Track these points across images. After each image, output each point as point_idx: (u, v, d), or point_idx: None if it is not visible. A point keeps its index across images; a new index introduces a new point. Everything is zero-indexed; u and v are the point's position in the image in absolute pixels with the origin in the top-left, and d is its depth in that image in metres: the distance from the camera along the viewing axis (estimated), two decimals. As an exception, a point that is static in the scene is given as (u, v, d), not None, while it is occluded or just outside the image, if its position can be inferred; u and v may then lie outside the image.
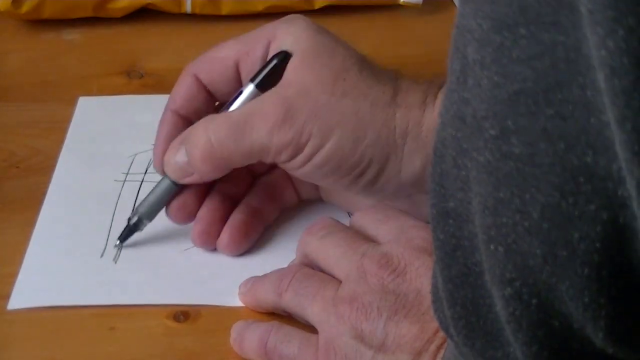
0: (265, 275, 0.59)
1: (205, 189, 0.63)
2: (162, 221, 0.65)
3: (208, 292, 0.60)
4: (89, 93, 0.76)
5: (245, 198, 0.64)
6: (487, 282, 0.36)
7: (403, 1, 0.84)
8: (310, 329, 0.55)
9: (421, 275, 0.53)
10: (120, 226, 0.64)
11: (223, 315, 0.59)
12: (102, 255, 0.62)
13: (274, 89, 0.59)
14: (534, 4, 0.32)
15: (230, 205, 0.63)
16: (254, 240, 0.63)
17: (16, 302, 0.59)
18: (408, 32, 0.83)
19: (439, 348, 0.51)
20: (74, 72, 0.78)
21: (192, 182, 0.61)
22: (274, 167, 0.64)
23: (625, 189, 0.31)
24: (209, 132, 0.59)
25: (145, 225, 0.63)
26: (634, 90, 0.28)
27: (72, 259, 0.62)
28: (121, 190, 0.67)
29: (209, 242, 0.62)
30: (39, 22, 0.82)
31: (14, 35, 0.82)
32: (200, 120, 0.60)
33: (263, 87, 0.60)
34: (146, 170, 0.69)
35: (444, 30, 0.85)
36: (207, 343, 0.57)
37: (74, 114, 0.74)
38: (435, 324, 0.51)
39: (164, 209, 0.62)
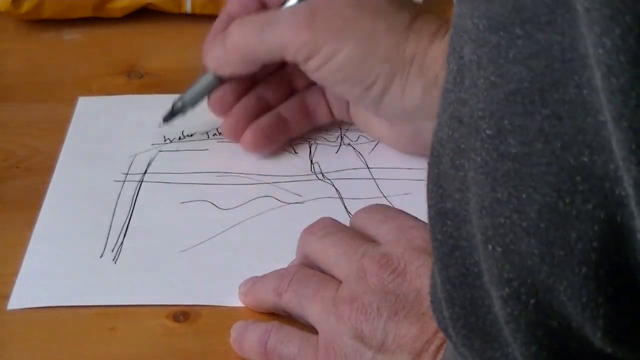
0: (265, 275, 0.59)
1: (244, 90, 0.70)
2: (162, 221, 0.65)
3: (208, 292, 0.60)
4: (89, 93, 0.76)
5: (279, 107, 0.70)
6: (485, 282, 0.36)
7: (403, 0, 0.84)
8: (310, 329, 0.55)
9: (421, 276, 0.53)
10: (120, 226, 0.64)
11: (223, 315, 0.58)
12: (101, 256, 0.62)
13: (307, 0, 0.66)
14: (529, 3, 0.32)
15: (264, 108, 0.70)
16: (276, 145, 0.70)
17: (16, 302, 0.59)
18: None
19: (438, 348, 0.51)
20: (74, 72, 0.78)
21: (227, 74, 0.68)
22: (312, 85, 0.70)
23: (622, 188, 0.31)
24: (242, 26, 0.67)
25: (187, 111, 0.69)
26: (631, 89, 0.28)
27: (72, 259, 0.62)
28: (121, 190, 0.67)
29: (235, 136, 0.69)
30: (39, 22, 0.82)
31: (14, 35, 0.82)
32: (239, 18, 0.68)
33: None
34: (146, 170, 0.69)
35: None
36: (207, 343, 0.57)
37: (74, 114, 0.74)
38: (435, 325, 0.51)
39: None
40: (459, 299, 0.37)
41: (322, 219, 0.59)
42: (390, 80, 0.64)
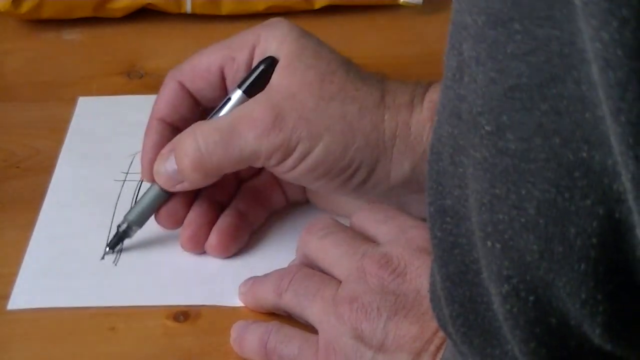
0: (265, 275, 0.59)
1: (192, 196, 0.63)
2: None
3: (208, 292, 0.60)
4: (89, 93, 0.76)
5: (232, 202, 0.64)
6: (484, 279, 0.36)
7: (403, 1, 0.84)
8: (310, 329, 0.55)
9: (421, 276, 0.53)
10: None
11: (223, 315, 0.59)
12: (102, 256, 0.62)
13: (261, 94, 0.59)
14: None
15: (217, 210, 0.63)
16: (242, 243, 0.63)
17: (16, 302, 0.59)
18: (408, 32, 0.83)
19: (438, 348, 0.51)
20: (74, 72, 0.78)
21: (183, 190, 0.61)
22: (260, 170, 0.65)
23: (621, 184, 0.31)
24: (198, 140, 0.59)
25: (134, 232, 0.63)
26: (628, 83, 0.28)
27: (72, 259, 0.62)
28: (121, 190, 0.67)
29: (198, 246, 0.62)
30: (39, 22, 0.82)
31: (14, 35, 0.82)
32: (189, 128, 0.60)
33: (250, 93, 0.60)
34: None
35: (444, 30, 0.85)
36: (207, 343, 0.57)
37: (74, 114, 0.74)
38: (435, 324, 0.51)
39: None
40: (459, 297, 0.37)
41: (322, 219, 0.59)
42: (374, 164, 0.59)
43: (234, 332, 0.57)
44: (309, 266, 0.58)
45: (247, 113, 0.59)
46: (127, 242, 0.63)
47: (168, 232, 0.64)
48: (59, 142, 0.71)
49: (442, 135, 0.36)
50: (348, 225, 0.60)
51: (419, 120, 0.59)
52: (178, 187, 0.61)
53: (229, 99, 0.61)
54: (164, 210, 0.62)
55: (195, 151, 0.59)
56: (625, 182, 0.30)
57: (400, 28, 0.79)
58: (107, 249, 0.63)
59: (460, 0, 0.34)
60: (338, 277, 0.56)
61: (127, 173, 0.69)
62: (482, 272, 0.36)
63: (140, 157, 0.63)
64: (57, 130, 0.72)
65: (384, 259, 0.54)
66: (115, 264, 0.62)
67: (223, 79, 0.62)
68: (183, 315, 0.58)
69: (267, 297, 0.58)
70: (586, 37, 0.29)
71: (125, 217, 0.63)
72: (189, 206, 0.63)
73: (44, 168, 0.69)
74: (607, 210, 0.31)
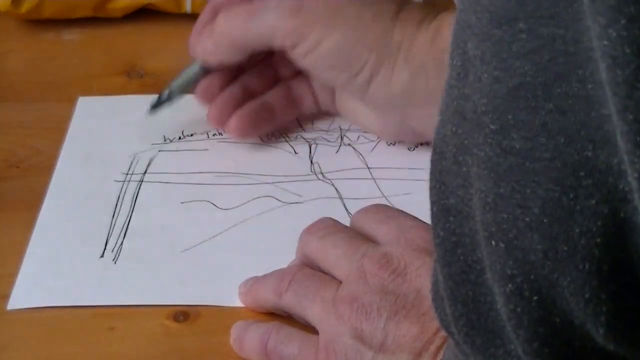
0: (265, 275, 0.59)
1: (230, 79, 0.70)
2: (162, 221, 0.65)
3: (208, 292, 0.60)
4: (89, 93, 0.76)
5: (264, 94, 0.71)
6: (488, 279, 0.36)
7: (403, 1, 0.84)
8: (311, 329, 0.55)
9: (421, 276, 0.53)
10: (120, 226, 0.64)
11: (223, 315, 0.58)
12: (102, 256, 0.62)
13: None
14: None
15: (249, 96, 0.70)
16: (260, 131, 0.71)
17: (16, 302, 0.59)
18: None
19: (439, 348, 0.51)
20: (74, 72, 0.78)
21: (215, 62, 0.69)
22: (298, 74, 0.71)
23: (626, 183, 0.31)
24: (230, 15, 0.68)
25: (175, 100, 0.70)
26: (636, 80, 0.28)
27: (72, 259, 0.62)
28: (121, 190, 0.67)
29: (220, 122, 0.70)
30: (39, 22, 0.82)
31: (14, 35, 0.82)
32: (226, 8, 0.68)
33: None
34: (146, 170, 0.69)
35: (444, 30, 0.84)
36: (207, 343, 0.57)
37: (74, 114, 0.74)
38: (435, 324, 0.51)
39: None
40: (462, 296, 0.37)
41: (322, 219, 0.59)
42: (378, 67, 0.65)
43: (234, 332, 0.57)
44: (309, 266, 0.58)
45: None
46: (127, 242, 0.63)
47: (168, 232, 0.64)
48: (59, 142, 0.71)
49: (446, 135, 0.36)
50: (348, 225, 0.59)
51: (423, 37, 0.64)
52: (210, 59, 0.69)
53: None
54: (201, 85, 0.70)
55: (226, 24, 0.67)
56: (632, 180, 0.30)
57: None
58: (150, 108, 0.70)
59: None
60: (338, 277, 0.56)
61: (127, 173, 0.69)
62: (486, 272, 0.36)
63: (190, 38, 0.70)
64: (57, 130, 0.72)
65: (384, 259, 0.54)
66: (115, 262, 0.62)
67: None
68: (183, 315, 0.58)
69: (267, 297, 0.58)
70: (593, 35, 0.29)
71: (168, 84, 0.70)
72: (224, 86, 0.70)
73: (44, 168, 0.69)
74: (612, 209, 0.31)
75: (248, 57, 0.69)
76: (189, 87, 0.70)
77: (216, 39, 0.68)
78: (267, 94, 0.71)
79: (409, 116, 0.67)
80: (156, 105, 0.70)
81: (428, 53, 0.64)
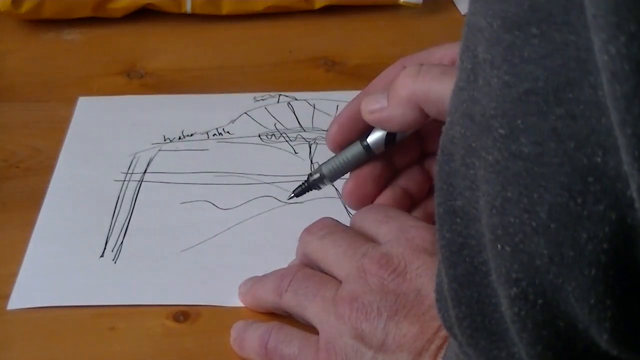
0: (265, 275, 0.59)
1: (385, 176, 0.60)
2: (162, 221, 0.65)
3: (208, 292, 0.60)
4: (89, 93, 0.76)
5: (424, 201, 0.61)
6: (493, 281, 0.36)
7: (403, 1, 0.84)
8: (311, 329, 0.55)
9: (421, 275, 0.53)
10: (120, 226, 0.64)
11: (223, 315, 0.58)
12: (102, 256, 0.62)
13: None
14: (544, 3, 0.32)
15: (408, 203, 0.61)
16: None
17: (16, 302, 0.59)
18: (408, 32, 0.83)
19: (439, 348, 0.51)
20: (74, 72, 0.78)
21: (393, 125, 0.57)
22: None
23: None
24: (420, 72, 0.55)
25: (324, 185, 0.61)
26: (634, 96, 0.28)
27: (72, 259, 0.62)
28: (121, 190, 0.67)
29: None
30: (39, 22, 0.82)
31: (14, 35, 0.82)
32: (408, 67, 0.57)
33: None
34: (145, 170, 0.69)
35: (444, 30, 0.85)
36: (207, 343, 0.57)
37: (74, 114, 0.74)
38: (435, 324, 0.51)
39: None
40: (466, 298, 0.37)
41: (322, 219, 0.59)
42: None
43: (234, 332, 0.57)
44: (309, 266, 0.58)
45: None
46: (127, 242, 0.63)
47: (167, 233, 0.64)
48: (59, 142, 0.71)
49: (454, 137, 0.36)
50: (348, 225, 0.59)
51: None
52: (387, 123, 0.57)
53: None
54: (350, 184, 0.60)
55: (414, 82, 0.55)
56: (632, 191, 0.30)
57: (400, 28, 0.79)
58: (292, 195, 0.61)
59: (475, 3, 0.34)
60: (338, 277, 0.56)
61: (127, 173, 0.69)
62: (491, 274, 0.36)
63: (330, 125, 0.60)
64: (57, 130, 0.72)
65: (384, 258, 0.54)
66: (115, 262, 0.62)
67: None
68: (183, 315, 0.58)
69: (267, 297, 0.58)
70: (595, 48, 0.29)
71: (319, 166, 0.61)
72: (378, 190, 0.60)
73: (44, 168, 0.69)
74: (620, 215, 0.31)
75: (403, 150, 0.60)
76: (344, 173, 0.60)
77: (398, 96, 0.56)
78: (426, 202, 0.61)
79: None
80: (302, 191, 0.61)
81: None
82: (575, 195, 0.32)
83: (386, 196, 0.60)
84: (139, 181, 0.68)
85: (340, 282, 0.55)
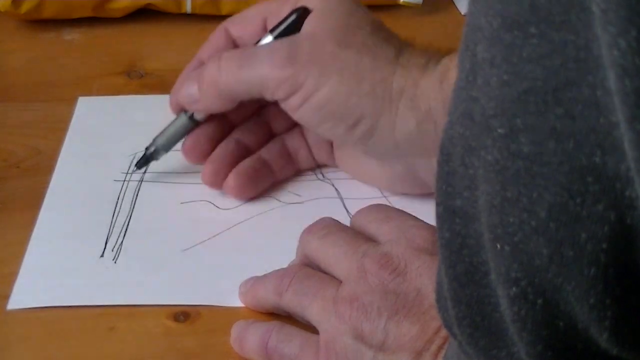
0: (265, 275, 0.59)
1: (220, 134, 0.67)
2: (162, 221, 0.65)
3: (208, 292, 0.60)
4: (89, 93, 0.76)
5: (258, 150, 0.68)
6: (492, 281, 0.36)
7: (403, 1, 0.84)
8: (311, 329, 0.55)
9: (422, 275, 0.53)
10: (120, 226, 0.64)
11: (223, 315, 0.58)
12: (102, 255, 0.62)
13: (287, 37, 0.64)
14: (544, 2, 0.32)
15: (243, 153, 0.67)
16: (259, 189, 0.67)
17: (16, 302, 0.59)
18: (408, 32, 0.82)
19: (439, 348, 0.51)
20: (74, 72, 0.78)
21: (201, 111, 0.66)
22: (292, 127, 0.68)
23: (633, 190, 0.31)
24: (220, 61, 0.64)
25: (161, 156, 0.67)
26: None
27: (72, 259, 0.62)
28: (121, 190, 0.67)
29: (217, 183, 0.66)
30: (39, 22, 0.82)
31: (14, 35, 0.82)
32: (215, 54, 0.65)
33: (280, 38, 0.64)
34: (145, 170, 0.69)
35: (444, 30, 0.85)
36: (207, 343, 0.57)
37: (74, 114, 0.74)
38: (436, 324, 0.51)
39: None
40: (465, 298, 0.37)
41: (322, 219, 0.59)
42: (378, 116, 0.61)
43: (234, 332, 0.57)
44: (309, 266, 0.58)
45: (268, 46, 0.64)
46: (127, 242, 0.63)
47: (167, 233, 0.64)
48: (59, 142, 0.71)
49: (453, 136, 0.36)
50: (348, 225, 0.59)
51: (429, 81, 0.61)
52: (195, 107, 0.65)
53: (259, 41, 0.65)
54: (189, 140, 0.67)
55: (214, 71, 0.63)
56: (638, 188, 0.30)
57: (400, 28, 0.79)
58: (135, 167, 0.67)
59: (475, 2, 0.34)
60: (338, 277, 0.56)
61: (127, 173, 0.69)
62: (490, 274, 0.36)
63: (172, 89, 0.68)
64: (57, 130, 0.72)
65: (384, 258, 0.54)
66: (115, 262, 0.62)
67: (265, 29, 0.66)
68: (183, 315, 0.58)
69: (268, 297, 0.58)
70: (603, 44, 0.29)
71: (153, 140, 0.67)
72: (215, 143, 0.67)
73: (44, 168, 0.69)
74: (619, 215, 0.31)
75: (238, 107, 0.66)
76: (176, 142, 0.67)
77: (204, 86, 0.64)
78: (262, 150, 0.68)
79: (416, 166, 0.63)
80: (142, 162, 0.67)
81: (435, 98, 0.61)
82: (574, 195, 0.32)
83: (220, 150, 0.67)
84: (139, 181, 0.68)
85: (341, 282, 0.55)
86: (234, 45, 0.67)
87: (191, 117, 0.66)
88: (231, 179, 0.66)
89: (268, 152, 0.68)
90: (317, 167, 0.69)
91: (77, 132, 0.72)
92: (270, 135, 0.69)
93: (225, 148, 0.67)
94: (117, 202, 0.66)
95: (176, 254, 0.63)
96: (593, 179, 0.31)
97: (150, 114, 0.72)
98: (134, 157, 0.70)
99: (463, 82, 0.36)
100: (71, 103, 0.75)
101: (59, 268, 0.61)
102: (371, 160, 0.65)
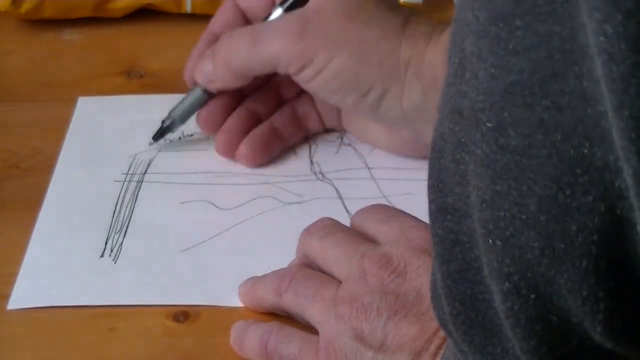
0: (265, 275, 0.59)
1: (233, 104, 0.70)
2: (162, 221, 0.65)
3: (208, 292, 0.60)
4: (89, 93, 0.76)
5: (269, 118, 0.70)
6: (485, 277, 0.36)
7: (403, 1, 0.84)
8: (311, 329, 0.55)
9: (421, 276, 0.53)
10: (120, 226, 0.64)
11: (223, 315, 0.58)
12: (102, 256, 0.62)
13: (297, 10, 0.66)
14: None
15: (254, 121, 0.70)
16: (271, 155, 0.70)
17: (16, 302, 0.59)
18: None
19: (438, 348, 0.51)
20: (74, 72, 0.78)
21: (217, 89, 0.68)
22: (301, 94, 0.71)
23: (622, 180, 0.31)
24: (232, 40, 0.66)
25: (177, 128, 0.70)
26: (632, 76, 0.28)
27: (72, 259, 0.62)
28: (121, 191, 0.67)
29: (230, 151, 0.69)
30: (39, 22, 0.82)
31: (14, 35, 0.82)
32: (227, 32, 0.67)
33: (290, 10, 0.66)
34: (146, 170, 0.69)
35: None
36: (207, 343, 0.57)
37: (74, 114, 0.74)
38: (435, 324, 0.51)
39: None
40: (460, 295, 0.37)
41: (322, 219, 0.59)
42: (387, 86, 0.64)
43: (234, 332, 0.57)
44: (309, 266, 0.58)
45: (279, 21, 0.66)
46: (127, 242, 0.63)
47: (168, 232, 0.64)
48: (59, 142, 0.71)
49: (444, 133, 0.36)
50: (348, 225, 0.60)
51: (434, 50, 0.63)
52: (212, 86, 0.68)
53: (270, 15, 0.68)
54: (204, 112, 0.69)
55: (228, 49, 0.66)
56: (627, 177, 0.30)
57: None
58: (152, 141, 0.69)
59: None
60: (338, 277, 0.56)
61: (127, 173, 0.69)
62: (483, 270, 0.36)
63: (186, 64, 0.70)
64: (57, 130, 0.72)
65: (384, 259, 0.54)
66: (115, 262, 0.62)
67: (274, 2, 0.69)
68: (183, 315, 0.58)
69: (267, 297, 0.58)
70: (589, 31, 0.29)
71: (169, 113, 0.69)
72: (228, 113, 0.69)
73: (44, 168, 0.69)
74: (609, 206, 0.31)
75: (251, 81, 0.68)
76: (191, 114, 0.70)
77: (218, 64, 0.67)
78: (272, 118, 0.70)
79: (423, 132, 0.65)
80: (158, 135, 0.70)
81: (440, 67, 0.63)
82: (563, 187, 0.32)
83: (232, 120, 0.69)
84: (138, 181, 0.68)
85: (340, 282, 0.55)
86: (243, 16, 0.70)
87: (205, 90, 0.69)
88: (243, 148, 0.68)
89: (278, 119, 0.70)
90: (325, 130, 0.72)
91: (77, 132, 0.72)
92: (279, 102, 0.71)
93: (236, 118, 0.69)
94: (117, 202, 0.66)
95: (176, 254, 0.63)
96: (582, 170, 0.31)
97: (150, 114, 0.72)
98: (134, 158, 0.70)
99: (452, 78, 0.36)
100: (71, 103, 0.75)
101: (59, 268, 0.61)
102: (379, 126, 0.68)
